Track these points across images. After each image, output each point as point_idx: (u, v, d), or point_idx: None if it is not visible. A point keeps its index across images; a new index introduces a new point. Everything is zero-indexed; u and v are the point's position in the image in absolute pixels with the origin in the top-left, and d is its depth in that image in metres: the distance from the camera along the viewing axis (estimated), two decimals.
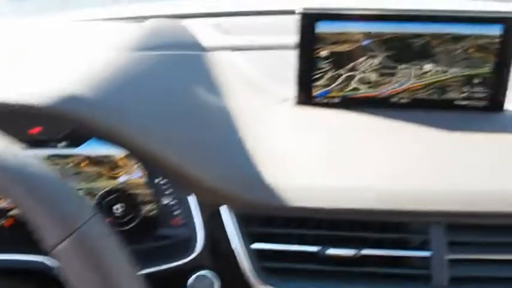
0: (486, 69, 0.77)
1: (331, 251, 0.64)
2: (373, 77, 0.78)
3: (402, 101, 0.79)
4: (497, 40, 0.75)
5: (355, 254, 0.64)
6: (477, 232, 0.65)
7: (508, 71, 0.77)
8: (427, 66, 0.77)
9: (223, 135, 0.71)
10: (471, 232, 0.65)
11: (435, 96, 0.79)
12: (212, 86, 0.81)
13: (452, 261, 0.64)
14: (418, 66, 0.77)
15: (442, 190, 0.64)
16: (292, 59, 0.78)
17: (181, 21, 1.01)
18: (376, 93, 0.79)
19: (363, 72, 0.78)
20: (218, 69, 0.86)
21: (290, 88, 0.80)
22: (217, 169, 0.66)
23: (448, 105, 0.79)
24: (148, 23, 0.94)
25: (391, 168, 0.67)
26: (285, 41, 0.87)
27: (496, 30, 0.75)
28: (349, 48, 0.77)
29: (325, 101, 0.80)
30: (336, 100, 0.80)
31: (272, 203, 0.64)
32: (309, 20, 0.76)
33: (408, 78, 0.78)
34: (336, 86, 0.79)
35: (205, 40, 0.94)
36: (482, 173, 0.67)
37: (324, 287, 0.64)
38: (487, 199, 0.64)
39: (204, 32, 0.98)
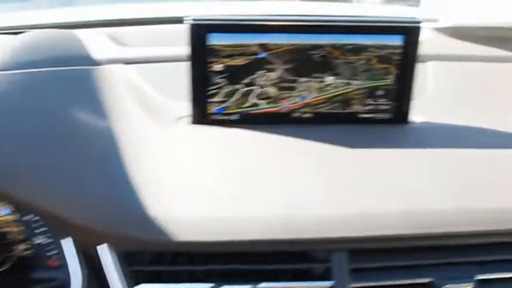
0: (389, 80, 0.73)
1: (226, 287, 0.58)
2: (272, 91, 0.73)
3: (304, 115, 0.74)
4: (398, 50, 0.71)
5: None
6: (382, 257, 0.61)
7: (411, 82, 0.74)
8: (329, 79, 0.72)
9: (102, 165, 0.63)
10: (376, 257, 0.61)
11: (338, 110, 0.74)
12: (98, 107, 0.73)
13: None
14: (320, 79, 0.72)
15: (345, 215, 0.59)
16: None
17: (69, 31, 0.92)
18: (277, 108, 0.74)
19: (261, 86, 0.72)
20: (109, 85, 0.79)
21: (186, 105, 0.73)
22: (94, 204, 0.59)
23: (352, 119, 0.75)
24: (27, 34, 0.85)
25: (289, 194, 0.61)
26: (182, 52, 0.80)
27: (397, 40, 0.71)
28: (244, 62, 0.71)
29: (223, 118, 0.74)
30: (234, 117, 0.74)
31: (157, 238, 0.57)
32: (200, 31, 0.69)
33: (310, 92, 0.73)
34: (233, 102, 0.73)
35: (96, 52, 0.86)
36: (385, 193, 0.62)
37: None
38: (391, 222, 0.59)
39: (95, 43, 0.90)
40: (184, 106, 0.74)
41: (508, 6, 1.00)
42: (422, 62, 0.88)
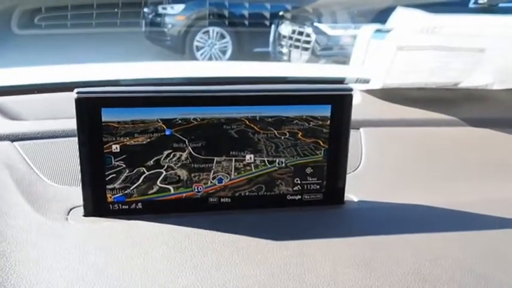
0: (319, 156, 0.63)
1: None
2: (183, 174, 0.61)
3: (223, 200, 0.63)
4: (327, 122, 0.62)
5: None
6: None
7: (344, 156, 0.64)
8: (249, 157, 0.62)
9: None
10: None
11: (262, 192, 0.63)
12: None
13: None
14: (238, 158, 0.61)
15: None
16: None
17: None
18: (189, 193, 0.62)
19: (171, 168, 0.60)
20: None
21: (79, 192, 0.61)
22: None
23: (279, 202, 0.64)
24: None
25: None
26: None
27: (326, 111, 0.62)
28: (147, 141, 0.59)
29: (123, 208, 0.61)
30: (138, 206, 0.61)
31: None
32: (91, 106, 0.57)
33: (227, 173, 0.62)
34: (136, 188, 0.60)
35: None
36: None
37: None
38: None
39: None
40: (78, 193, 0.61)
41: (434, 66, 0.94)
42: (353, 128, 0.80)
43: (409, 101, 0.96)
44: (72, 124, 0.74)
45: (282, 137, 0.61)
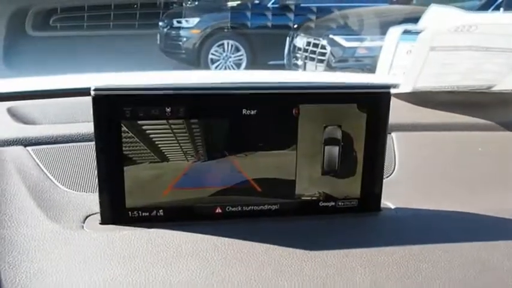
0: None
1: None
2: (206, 176, 0.57)
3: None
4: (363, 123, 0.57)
5: None
6: None
7: (381, 160, 0.60)
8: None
9: None
10: None
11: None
12: None
13: None
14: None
15: None
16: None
17: None
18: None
19: (194, 171, 0.56)
20: (3, 173, 0.62)
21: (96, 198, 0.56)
22: None
23: (312, 209, 0.59)
24: None
25: None
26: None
27: (363, 110, 0.57)
28: (169, 142, 0.55)
29: (144, 214, 0.56)
30: (160, 213, 0.57)
31: None
32: (110, 105, 0.53)
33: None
34: (156, 193, 0.56)
35: None
36: None
37: None
38: None
39: None
40: (94, 200, 0.57)
41: (467, 68, 0.90)
42: None
43: (440, 105, 0.92)
44: (87, 128, 0.71)
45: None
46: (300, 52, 4.62)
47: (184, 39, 5.51)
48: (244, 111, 0.55)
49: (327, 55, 4.43)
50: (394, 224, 0.59)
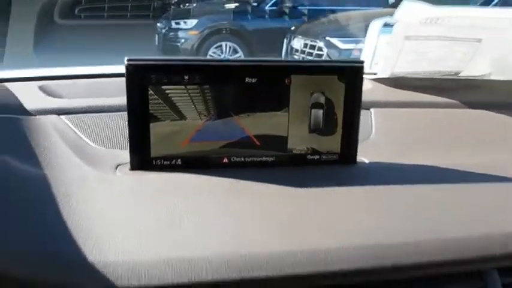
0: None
1: None
2: (218, 130, 0.71)
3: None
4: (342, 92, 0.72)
5: None
6: None
7: (357, 123, 0.74)
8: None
9: (30, 211, 0.58)
10: None
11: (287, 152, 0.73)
12: (30, 155, 0.69)
13: None
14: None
15: (298, 252, 0.56)
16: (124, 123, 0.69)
17: None
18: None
19: (208, 127, 0.70)
20: (41, 135, 0.74)
21: (123, 153, 0.70)
22: (16, 251, 0.53)
23: (301, 161, 0.73)
24: None
25: (236, 234, 0.58)
26: (119, 102, 0.78)
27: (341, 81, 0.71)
28: (186, 102, 0.69)
29: (165, 163, 0.70)
30: (178, 162, 0.71)
31: (91, 284, 0.52)
32: (139, 73, 0.67)
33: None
34: (176, 145, 0.70)
35: (26, 103, 0.82)
36: (338, 229, 0.60)
37: None
38: (348, 256, 0.57)
39: (26, 93, 0.86)
40: (122, 154, 0.70)
41: (437, 56, 1.03)
42: (364, 108, 0.89)
43: (415, 88, 1.05)
44: (115, 101, 0.84)
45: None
46: (297, 53, 4.76)
47: (183, 40, 5.63)
48: (246, 79, 0.69)
49: (324, 56, 4.56)
50: (367, 173, 0.74)
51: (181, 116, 0.69)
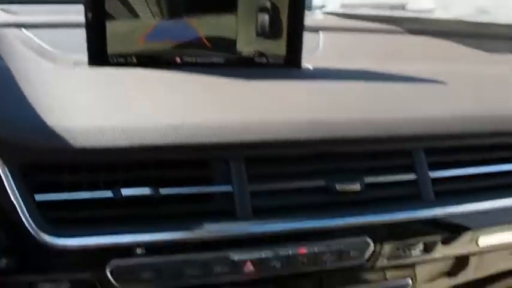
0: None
1: (127, 192, 0.58)
2: (171, 30, 0.75)
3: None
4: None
5: (154, 194, 0.58)
6: (275, 164, 0.64)
7: (301, 30, 0.79)
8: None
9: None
10: (270, 164, 0.63)
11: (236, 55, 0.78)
12: None
13: (253, 193, 0.61)
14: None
15: (238, 122, 0.62)
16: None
17: None
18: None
19: (161, 26, 0.75)
20: (4, 42, 0.78)
21: (84, 57, 0.74)
22: None
23: (249, 62, 0.79)
24: None
25: (183, 105, 0.63)
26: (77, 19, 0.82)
27: None
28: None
29: (120, 60, 0.75)
30: (133, 60, 0.75)
31: (53, 146, 0.56)
32: None
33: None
34: (131, 43, 0.75)
35: None
36: (281, 107, 0.66)
37: (120, 233, 0.58)
38: (275, 128, 0.63)
39: None
40: (82, 57, 0.74)
41: None
42: (313, 31, 0.95)
43: (363, 18, 1.11)
44: (70, 18, 0.88)
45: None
46: None
47: None
48: None
49: None
50: (311, 73, 0.80)
51: (136, 16, 0.73)
